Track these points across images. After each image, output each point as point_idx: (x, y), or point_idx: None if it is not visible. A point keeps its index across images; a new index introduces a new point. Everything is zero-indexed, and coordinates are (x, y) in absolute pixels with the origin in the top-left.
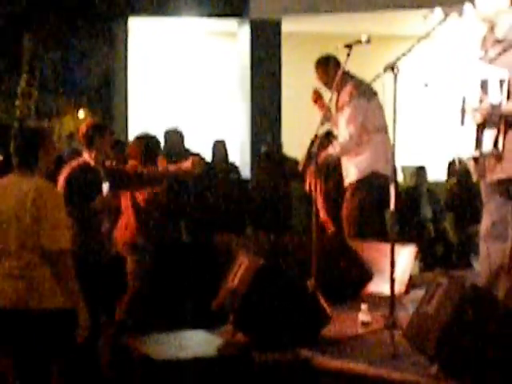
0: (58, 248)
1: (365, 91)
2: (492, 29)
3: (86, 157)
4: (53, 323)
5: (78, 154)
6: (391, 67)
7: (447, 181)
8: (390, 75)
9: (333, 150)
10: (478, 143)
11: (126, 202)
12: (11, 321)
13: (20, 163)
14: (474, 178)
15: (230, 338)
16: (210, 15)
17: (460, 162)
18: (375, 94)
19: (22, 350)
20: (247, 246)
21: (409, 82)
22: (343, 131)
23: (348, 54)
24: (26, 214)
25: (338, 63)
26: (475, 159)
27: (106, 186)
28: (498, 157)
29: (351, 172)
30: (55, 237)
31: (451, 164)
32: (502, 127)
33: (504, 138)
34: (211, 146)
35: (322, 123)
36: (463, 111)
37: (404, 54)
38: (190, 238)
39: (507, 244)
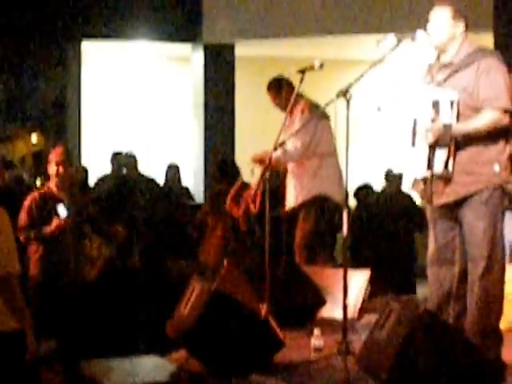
0: (7, 272)
1: (316, 111)
2: (438, 56)
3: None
4: (4, 346)
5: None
6: (344, 93)
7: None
8: (342, 101)
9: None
10: (430, 164)
11: None
12: None
13: None
14: (422, 201)
15: (184, 363)
16: (164, 39)
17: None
18: (326, 117)
19: None
20: (200, 272)
21: (361, 105)
22: (289, 142)
23: (301, 80)
24: None
25: (290, 84)
26: (424, 181)
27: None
28: (447, 179)
29: (291, 197)
30: (4, 261)
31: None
32: (452, 148)
33: (454, 160)
34: (164, 169)
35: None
36: (414, 132)
37: (356, 80)
38: (142, 263)
39: (455, 269)
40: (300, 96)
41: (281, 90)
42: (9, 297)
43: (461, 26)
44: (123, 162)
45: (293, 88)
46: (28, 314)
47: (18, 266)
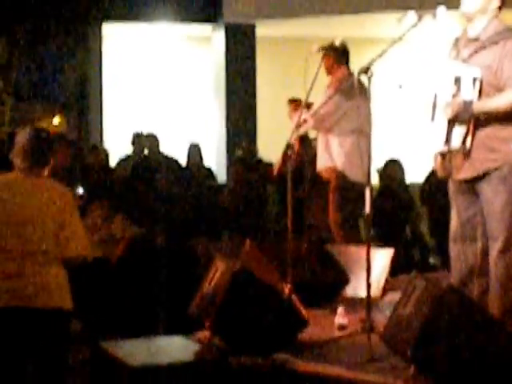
0: (77, 254)
1: (349, 88)
2: (465, 30)
3: None
4: (59, 322)
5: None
6: (365, 71)
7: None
8: (364, 78)
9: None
10: (448, 139)
11: None
12: (20, 319)
13: (32, 164)
14: (439, 174)
15: (207, 343)
16: (185, 20)
17: None
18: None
19: (30, 347)
20: (223, 251)
21: (383, 83)
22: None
23: (323, 57)
24: (48, 218)
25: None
26: (443, 155)
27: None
28: (466, 154)
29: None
30: (79, 244)
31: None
32: (471, 126)
33: (472, 136)
34: (186, 149)
35: (296, 128)
36: (434, 107)
37: (378, 57)
38: (165, 243)
39: (477, 245)
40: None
41: (339, 57)
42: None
43: (495, 2)
44: (145, 142)
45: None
46: None
47: (90, 251)
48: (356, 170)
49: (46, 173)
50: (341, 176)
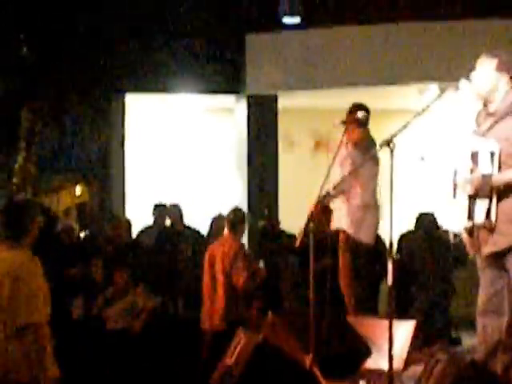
0: (25, 323)
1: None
2: (485, 104)
3: None
4: None
5: (73, 229)
6: (387, 143)
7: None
8: (386, 151)
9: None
10: (471, 214)
11: None
12: None
13: (8, 236)
14: (469, 251)
15: None
16: (207, 92)
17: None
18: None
19: None
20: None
21: (405, 155)
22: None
23: (345, 130)
24: (4, 290)
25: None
26: (469, 232)
27: None
28: (491, 229)
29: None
30: (24, 311)
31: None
32: (494, 198)
33: (496, 209)
34: (209, 220)
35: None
36: (455, 184)
37: (400, 130)
38: (186, 314)
39: (504, 319)
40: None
41: (361, 126)
42: (27, 348)
43: (505, 78)
44: (168, 213)
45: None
46: (52, 369)
47: (40, 316)
48: (365, 232)
49: (27, 241)
50: (350, 238)
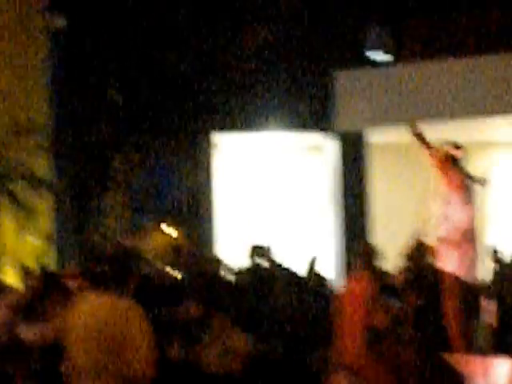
0: (136, 374)
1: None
2: None
3: None
4: None
5: (166, 271)
6: (482, 180)
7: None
8: (479, 185)
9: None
10: None
11: None
12: None
13: (111, 282)
14: None
15: None
16: (296, 129)
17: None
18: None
19: None
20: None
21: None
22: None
23: (438, 164)
24: (110, 337)
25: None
26: None
27: None
28: None
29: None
30: (135, 363)
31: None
32: None
33: None
34: (303, 260)
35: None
36: None
37: (495, 164)
38: (284, 356)
39: None
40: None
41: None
42: None
43: None
44: (261, 253)
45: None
46: None
47: (143, 364)
48: (472, 273)
49: (129, 288)
50: (459, 280)
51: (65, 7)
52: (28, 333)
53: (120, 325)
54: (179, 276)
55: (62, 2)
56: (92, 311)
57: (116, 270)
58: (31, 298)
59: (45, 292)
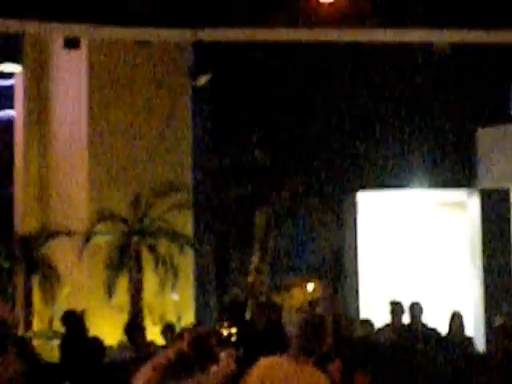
0: None
1: None
2: None
3: None
4: None
5: None
6: None
7: None
8: None
9: None
10: None
11: None
12: None
13: (304, 349)
14: None
15: None
16: (440, 186)
17: None
18: None
19: None
20: None
21: None
22: None
23: None
24: None
25: None
26: None
27: None
28: None
29: None
30: None
31: None
32: None
33: None
34: (447, 318)
35: None
36: None
37: None
38: None
39: None
40: None
41: None
42: None
43: None
44: (410, 310)
45: None
46: None
47: None
48: None
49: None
50: None
51: (209, 65)
52: None
53: None
54: None
55: (206, 60)
56: (282, 376)
57: (310, 335)
58: (178, 358)
59: (194, 354)
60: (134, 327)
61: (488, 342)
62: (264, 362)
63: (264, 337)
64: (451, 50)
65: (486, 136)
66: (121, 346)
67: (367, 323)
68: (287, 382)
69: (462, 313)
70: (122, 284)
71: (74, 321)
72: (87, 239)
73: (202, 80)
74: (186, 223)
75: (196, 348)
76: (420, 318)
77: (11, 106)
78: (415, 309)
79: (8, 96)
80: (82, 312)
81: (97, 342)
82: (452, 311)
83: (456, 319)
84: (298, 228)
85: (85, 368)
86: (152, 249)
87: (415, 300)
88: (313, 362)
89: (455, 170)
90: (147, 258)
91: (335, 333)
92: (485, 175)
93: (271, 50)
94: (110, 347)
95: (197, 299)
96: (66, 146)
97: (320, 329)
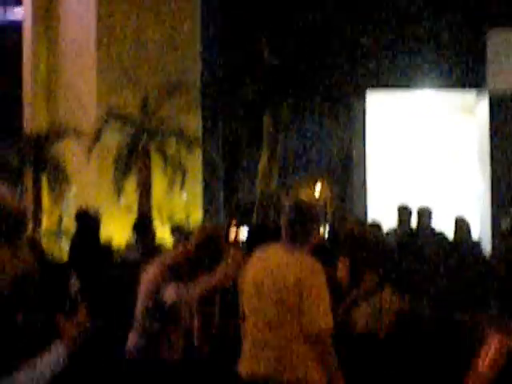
0: (318, 330)
1: None
2: None
3: None
4: None
5: None
6: None
7: None
8: None
9: None
10: None
11: None
12: None
13: (289, 236)
14: None
15: None
16: (448, 87)
17: None
18: None
19: None
20: (494, 324)
21: None
22: None
23: None
24: (289, 291)
25: None
26: None
27: None
28: None
29: None
30: (316, 318)
31: None
32: None
33: None
34: (452, 222)
35: None
36: None
37: None
38: (432, 316)
39: None
40: None
41: None
42: (318, 352)
43: None
44: (417, 213)
45: None
46: (339, 379)
47: (328, 324)
48: None
49: (307, 246)
50: None
51: None
52: (170, 292)
53: (304, 278)
54: (325, 232)
55: None
56: (274, 264)
57: (295, 223)
58: (185, 259)
59: (202, 254)
60: (143, 226)
61: (493, 244)
62: (258, 251)
63: (271, 236)
64: None
65: (496, 37)
66: (129, 246)
67: (376, 226)
68: (279, 267)
69: (470, 216)
70: (131, 184)
71: (88, 219)
72: (96, 139)
73: None
74: (194, 124)
75: (204, 248)
76: (428, 222)
77: (19, 2)
78: (423, 213)
79: None
80: (97, 211)
81: (106, 244)
82: (456, 216)
83: (460, 223)
84: (306, 128)
85: (93, 266)
86: (160, 149)
87: (423, 204)
88: (307, 252)
89: (465, 71)
90: (156, 159)
91: (344, 233)
92: (494, 77)
93: None
94: (118, 247)
95: (205, 199)
96: (74, 45)
97: (308, 216)
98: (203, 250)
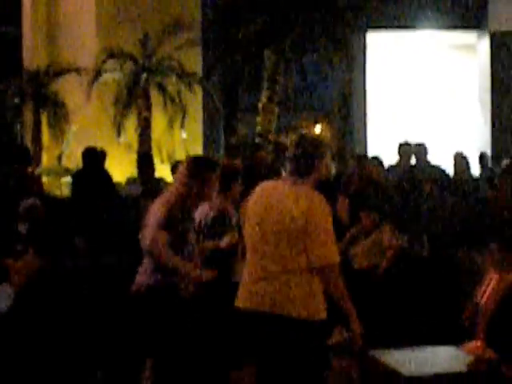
0: (325, 263)
1: None
2: None
3: None
4: (305, 332)
5: None
6: None
7: None
8: None
9: None
10: None
11: None
12: (263, 324)
13: (294, 170)
14: None
15: (479, 353)
16: (449, 28)
17: None
18: None
19: (269, 354)
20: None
21: None
22: None
23: None
24: (293, 223)
25: None
26: None
27: None
28: None
29: None
30: (322, 252)
31: None
32: None
33: None
34: (452, 159)
35: None
36: None
37: None
38: (431, 253)
39: None
40: None
41: None
42: (327, 286)
43: None
44: (413, 151)
45: None
46: (350, 308)
47: (335, 256)
48: None
49: (311, 181)
50: None
51: None
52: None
53: (309, 211)
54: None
55: None
56: (278, 197)
57: (299, 157)
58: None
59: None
60: (145, 161)
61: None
62: (260, 185)
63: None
64: None
65: None
66: (129, 181)
67: (376, 160)
68: (283, 200)
69: (470, 154)
70: (131, 122)
71: (94, 157)
72: (96, 76)
73: None
74: (194, 61)
75: (195, 173)
76: (426, 158)
77: None
78: (419, 149)
79: None
80: (103, 151)
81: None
82: (455, 152)
83: (458, 159)
84: (306, 67)
85: (97, 202)
86: (160, 87)
87: (420, 141)
88: (312, 186)
89: (464, 11)
90: (156, 96)
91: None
92: (495, 17)
93: None
94: (119, 183)
95: (205, 137)
96: None
97: (312, 150)
98: (194, 176)
